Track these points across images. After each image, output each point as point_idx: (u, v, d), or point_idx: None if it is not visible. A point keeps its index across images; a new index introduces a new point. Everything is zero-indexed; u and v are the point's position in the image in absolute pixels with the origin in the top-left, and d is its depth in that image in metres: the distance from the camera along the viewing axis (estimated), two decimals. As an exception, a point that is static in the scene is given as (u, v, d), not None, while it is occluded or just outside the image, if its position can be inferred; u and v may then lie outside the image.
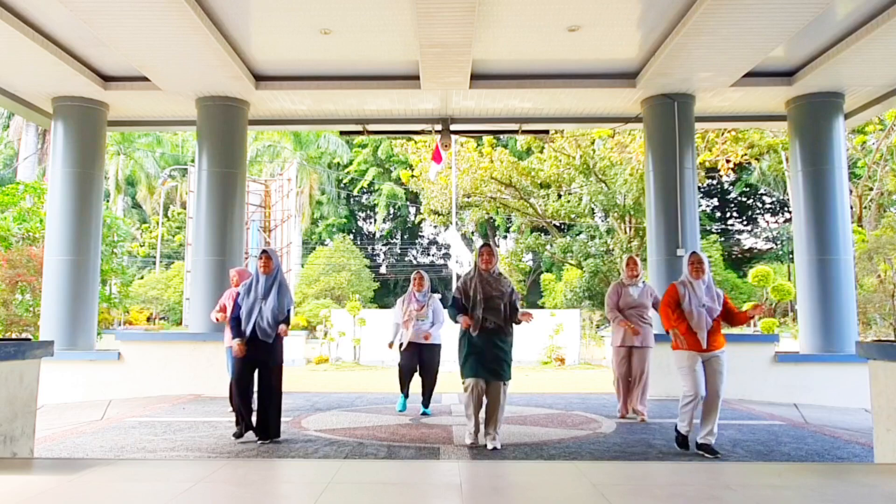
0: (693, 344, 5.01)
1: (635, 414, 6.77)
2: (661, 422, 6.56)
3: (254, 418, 5.59)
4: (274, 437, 5.50)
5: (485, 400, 5.26)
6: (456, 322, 5.34)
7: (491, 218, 32.17)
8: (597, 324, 19.92)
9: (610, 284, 7.69)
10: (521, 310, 5.31)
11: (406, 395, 7.12)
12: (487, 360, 5.16)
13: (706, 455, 4.95)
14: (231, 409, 6.12)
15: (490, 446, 5.18)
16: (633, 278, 6.74)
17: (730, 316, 5.16)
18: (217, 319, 7.05)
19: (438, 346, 7.03)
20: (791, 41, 7.80)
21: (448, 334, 6.91)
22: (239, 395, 5.50)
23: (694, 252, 5.24)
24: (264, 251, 5.66)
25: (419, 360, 6.95)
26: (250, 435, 5.59)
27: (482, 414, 5.31)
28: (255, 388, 5.59)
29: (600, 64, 8.70)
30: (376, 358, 14.18)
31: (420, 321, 6.91)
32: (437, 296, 7.30)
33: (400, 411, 7.10)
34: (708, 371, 5.00)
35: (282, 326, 5.49)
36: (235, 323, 5.49)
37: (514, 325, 5.31)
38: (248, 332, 5.41)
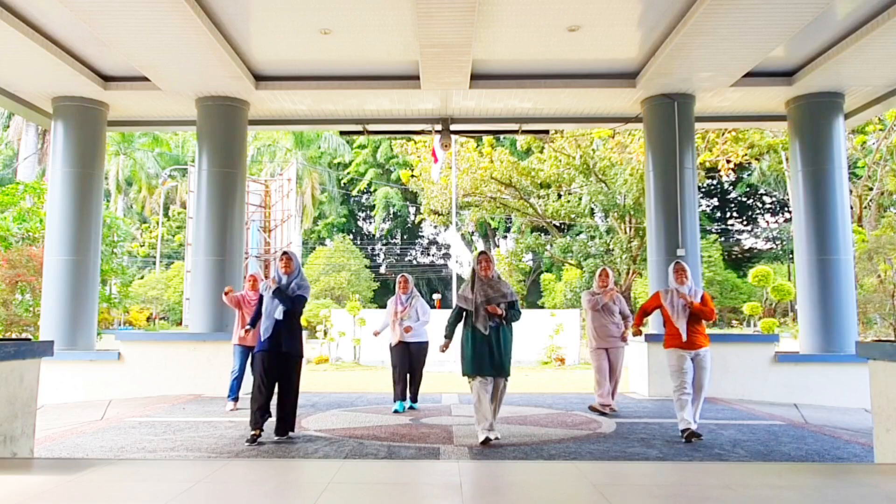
0: (677, 341, 5.72)
1: (609, 407, 7.32)
2: (661, 421, 6.57)
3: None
4: (290, 431, 5.66)
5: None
6: (448, 334, 5.67)
7: (490, 219, 32.17)
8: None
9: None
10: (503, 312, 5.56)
11: (403, 399, 7.35)
12: (490, 358, 5.40)
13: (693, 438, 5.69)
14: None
15: (492, 437, 5.38)
16: (603, 288, 7.39)
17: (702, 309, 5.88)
18: (225, 293, 7.43)
19: (426, 343, 7.45)
20: (791, 41, 7.80)
21: (438, 333, 7.21)
22: (263, 394, 5.53)
23: (677, 261, 6.07)
24: (285, 252, 5.85)
25: (408, 357, 7.35)
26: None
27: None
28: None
29: (600, 64, 8.70)
30: (376, 358, 14.19)
31: (404, 321, 7.33)
32: (421, 298, 7.67)
33: (397, 412, 7.26)
34: (696, 368, 5.74)
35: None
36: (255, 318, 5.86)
37: (513, 324, 5.56)
38: (270, 330, 5.55)
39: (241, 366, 7.38)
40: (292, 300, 5.58)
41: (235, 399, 7.41)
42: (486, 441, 5.31)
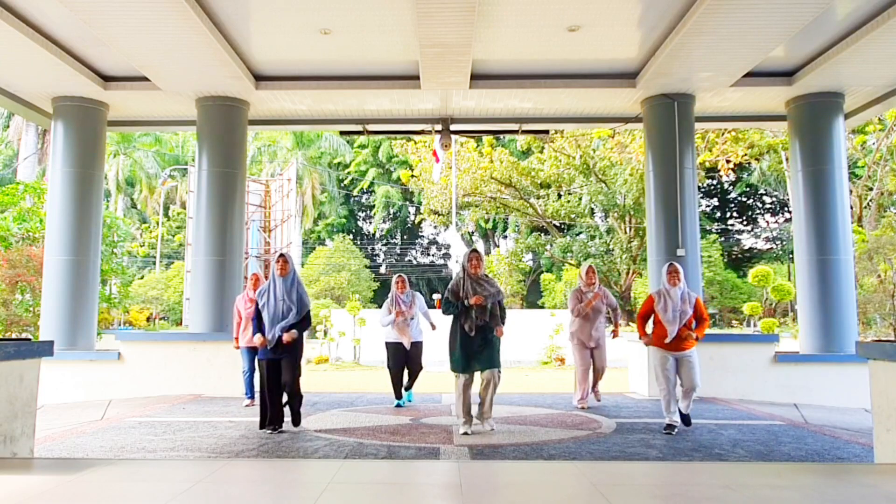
0: (663, 342, 5.87)
1: (593, 396, 7.76)
2: (661, 421, 6.54)
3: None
4: (295, 425, 5.95)
5: (477, 388, 5.80)
6: (452, 312, 5.77)
7: (484, 221, 32.17)
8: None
9: (609, 286, 8.21)
10: (499, 325, 5.80)
11: (400, 397, 7.61)
12: (478, 354, 5.67)
13: (682, 422, 6.05)
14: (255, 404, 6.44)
15: (488, 427, 5.81)
16: (591, 285, 7.54)
17: (697, 317, 6.01)
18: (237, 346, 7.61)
19: (421, 343, 7.61)
20: (791, 41, 7.80)
21: (436, 333, 7.57)
22: (269, 392, 5.80)
23: (671, 263, 6.08)
24: (281, 255, 5.94)
25: (405, 356, 7.49)
26: (253, 429, 5.94)
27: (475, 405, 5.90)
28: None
29: (600, 64, 8.70)
30: (376, 358, 14.16)
31: (411, 320, 7.45)
32: (419, 295, 7.80)
33: (399, 405, 7.54)
34: (683, 367, 5.91)
35: (292, 332, 5.76)
36: (258, 320, 5.85)
37: (500, 322, 5.81)
38: (273, 336, 5.72)
39: (249, 365, 7.57)
40: (302, 324, 5.82)
41: (252, 396, 7.61)
42: (465, 434, 5.64)
